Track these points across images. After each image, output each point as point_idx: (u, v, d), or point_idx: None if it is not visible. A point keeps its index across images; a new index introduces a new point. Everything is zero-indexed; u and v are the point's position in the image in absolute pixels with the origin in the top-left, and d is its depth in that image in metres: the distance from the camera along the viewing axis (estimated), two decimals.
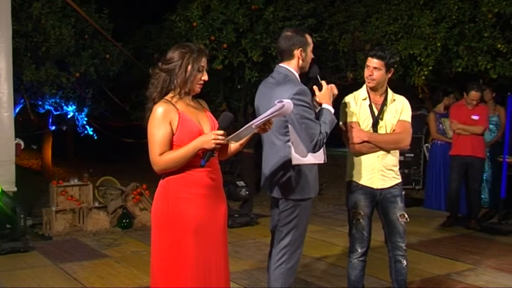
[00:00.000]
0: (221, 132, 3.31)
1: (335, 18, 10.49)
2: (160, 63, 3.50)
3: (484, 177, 9.37)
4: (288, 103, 3.35)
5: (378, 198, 4.61)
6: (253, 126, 3.38)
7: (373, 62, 4.56)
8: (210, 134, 3.32)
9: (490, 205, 9.30)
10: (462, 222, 8.47)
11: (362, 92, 4.70)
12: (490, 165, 9.33)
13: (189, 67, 3.42)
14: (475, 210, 8.50)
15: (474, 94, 8.17)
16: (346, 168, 4.73)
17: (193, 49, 3.46)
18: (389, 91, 4.67)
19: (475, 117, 8.25)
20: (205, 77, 3.51)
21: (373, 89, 4.63)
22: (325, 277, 6.04)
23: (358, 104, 4.65)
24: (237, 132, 3.37)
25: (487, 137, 9.39)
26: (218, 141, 3.29)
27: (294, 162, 4.06)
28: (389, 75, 4.61)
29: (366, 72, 4.63)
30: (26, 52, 9.54)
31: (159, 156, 3.36)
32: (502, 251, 7.09)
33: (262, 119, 3.35)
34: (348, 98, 4.72)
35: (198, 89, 3.52)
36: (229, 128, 3.40)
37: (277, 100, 3.38)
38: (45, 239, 7.75)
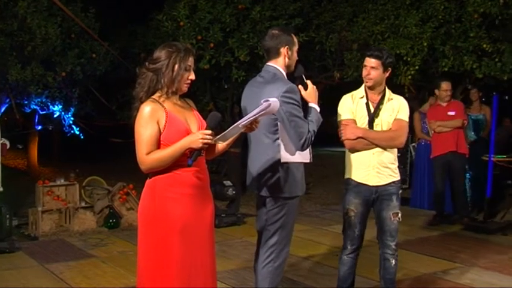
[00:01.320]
0: (209, 132, 3.30)
1: (322, 18, 10.52)
2: (147, 63, 3.49)
3: (469, 177, 9.43)
4: (275, 102, 3.36)
5: (374, 196, 4.63)
6: (240, 126, 3.38)
7: (370, 61, 4.60)
8: (197, 134, 3.31)
9: (474, 204, 9.34)
10: (448, 221, 8.52)
11: (360, 90, 4.75)
12: (474, 165, 9.37)
13: (176, 66, 3.41)
14: (465, 209, 8.57)
15: (445, 84, 8.28)
16: (345, 166, 4.76)
17: (180, 48, 3.46)
18: (387, 90, 4.70)
19: (452, 113, 8.33)
20: (192, 76, 3.50)
21: (371, 88, 4.66)
22: (312, 276, 6.05)
23: (355, 102, 4.69)
24: (224, 132, 3.37)
25: (471, 135, 9.48)
26: (206, 140, 3.28)
27: (283, 160, 4.08)
28: (387, 74, 4.65)
29: (364, 72, 4.67)
30: (11, 51, 9.48)
31: (146, 155, 3.35)
32: (488, 250, 7.13)
33: (249, 118, 3.34)
34: (346, 97, 4.77)
35: (185, 88, 3.52)
36: (217, 128, 3.40)
37: (263, 99, 3.38)
38: (31, 239, 7.71)
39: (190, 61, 3.49)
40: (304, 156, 4.16)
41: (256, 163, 4.21)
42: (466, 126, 9.04)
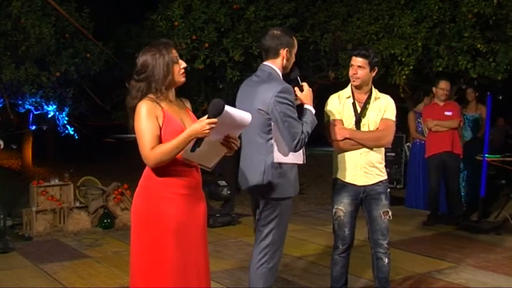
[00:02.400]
0: (214, 120, 3.20)
1: (316, 18, 10.52)
2: (135, 76, 3.44)
3: (463, 177, 9.46)
4: (243, 116, 3.30)
5: (362, 196, 4.65)
6: (214, 140, 3.30)
7: (357, 60, 4.61)
8: (202, 123, 3.22)
9: (469, 203, 9.38)
10: (443, 221, 8.54)
11: (346, 90, 4.75)
12: (469, 164, 9.41)
13: (164, 65, 3.38)
14: (459, 209, 8.59)
15: (444, 83, 8.32)
16: (333, 166, 4.77)
17: (159, 47, 3.43)
18: (374, 90, 4.71)
19: (448, 113, 8.34)
20: (183, 65, 3.48)
21: (357, 87, 4.67)
22: (306, 276, 6.05)
23: (342, 102, 4.70)
24: (195, 149, 3.26)
25: (467, 135, 9.51)
26: (211, 128, 3.20)
27: (276, 160, 4.08)
28: (374, 73, 4.66)
29: (351, 71, 4.67)
30: (5, 51, 9.45)
31: (151, 150, 3.30)
32: (482, 249, 7.15)
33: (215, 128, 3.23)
34: (332, 97, 4.77)
35: (182, 78, 3.49)
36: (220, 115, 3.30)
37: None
38: (25, 239, 7.68)
39: (174, 52, 3.45)
40: (297, 157, 4.16)
41: (248, 163, 4.20)
42: (462, 127, 9.07)
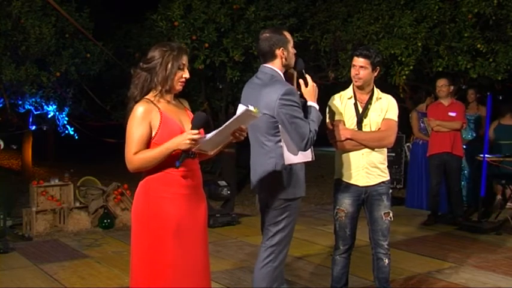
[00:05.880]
0: (195, 131, 3.28)
1: (316, 18, 10.51)
2: (141, 63, 3.51)
3: (464, 176, 9.45)
4: (254, 111, 3.34)
5: (364, 196, 4.65)
6: (224, 132, 3.34)
7: (359, 61, 4.60)
8: (184, 135, 3.30)
9: (470, 203, 9.38)
10: (443, 221, 8.54)
11: (348, 91, 4.74)
12: (470, 164, 9.41)
13: (169, 65, 3.42)
14: (460, 209, 8.58)
15: (439, 80, 8.38)
16: (335, 167, 4.76)
17: (173, 47, 3.48)
18: (376, 90, 4.70)
19: (452, 114, 8.34)
20: (186, 75, 3.51)
21: (359, 87, 4.66)
22: (306, 276, 6.05)
23: (343, 103, 4.69)
24: (206, 138, 3.32)
25: (467, 136, 9.49)
26: (193, 142, 3.27)
27: (287, 162, 4.08)
28: (375, 73, 4.65)
29: (353, 72, 4.65)
30: (5, 51, 9.43)
31: (134, 154, 3.36)
32: (482, 249, 7.15)
33: (229, 123, 3.31)
34: (334, 97, 4.77)
35: (179, 86, 3.52)
36: (205, 127, 3.36)
37: (246, 105, 3.36)
38: (25, 239, 7.68)
39: (184, 60, 3.49)
40: (306, 156, 4.16)
41: (258, 165, 4.20)
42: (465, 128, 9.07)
